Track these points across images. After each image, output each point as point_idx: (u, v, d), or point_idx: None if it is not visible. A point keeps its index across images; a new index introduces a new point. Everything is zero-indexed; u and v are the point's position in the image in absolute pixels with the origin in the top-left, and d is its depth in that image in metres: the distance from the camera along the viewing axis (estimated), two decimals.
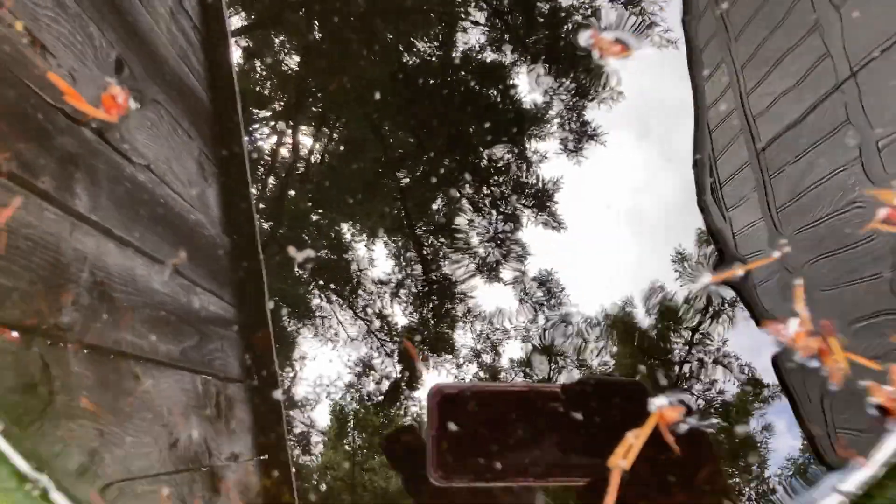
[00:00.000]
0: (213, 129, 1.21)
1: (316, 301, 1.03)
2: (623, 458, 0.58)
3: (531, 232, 1.03)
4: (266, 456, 1.10)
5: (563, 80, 1.15)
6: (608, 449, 0.63)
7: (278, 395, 1.18)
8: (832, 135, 1.64)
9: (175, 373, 0.83)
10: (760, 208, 1.94)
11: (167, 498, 0.72)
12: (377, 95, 1.26)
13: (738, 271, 0.81)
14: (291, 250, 1.09)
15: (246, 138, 1.37)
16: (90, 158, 0.70)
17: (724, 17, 2.09)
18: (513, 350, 1.01)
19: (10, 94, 0.57)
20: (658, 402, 0.70)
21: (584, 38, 1.00)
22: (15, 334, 0.53)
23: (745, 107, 2.07)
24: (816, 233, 1.82)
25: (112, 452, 0.64)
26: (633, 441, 0.59)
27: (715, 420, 0.80)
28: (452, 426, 0.67)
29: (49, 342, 0.56)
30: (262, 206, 1.24)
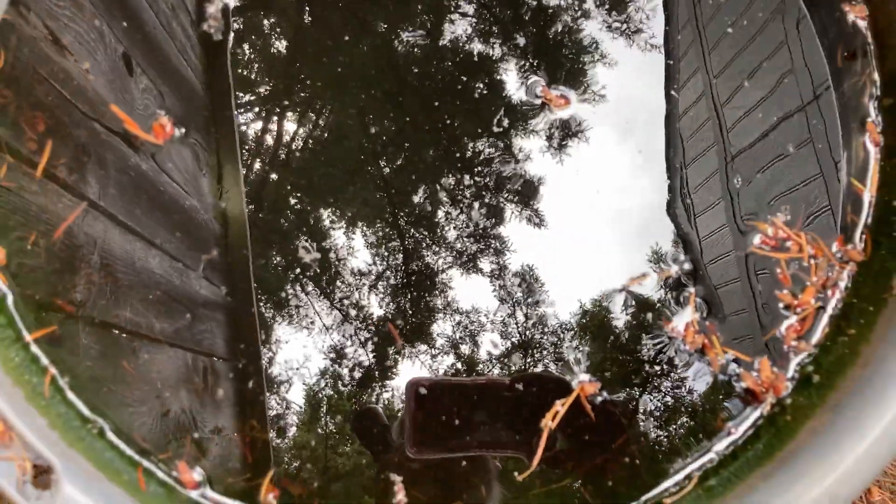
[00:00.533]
0: (208, 120, 1.27)
1: (294, 288, 1.08)
2: (551, 420, 0.72)
3: (513, 227, 1.10)
4: (246, 432, 1.16)
5: (547, 74, 1.22)
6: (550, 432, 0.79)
7: (261, 375, 1.24)
8: (797, 149, 1.72)
9: (169, 349, 0.89)
10: (726, 216, 2.02)
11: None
12: (364, 84, 1.32)
13: (644, 279, 0.95)
14: (302, 250, 1.15)
15: (237, 129, 1.42)
16: (99, 148, 0.76)
17: (699, 29, 2.17)
18: (489, 343, 1.07)
19: (34, 87, 0.63)
20: (581, 378, 0.84)
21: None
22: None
23: (720, 117, 2.15)
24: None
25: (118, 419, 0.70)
26: (559, 408, 0.72)
27: (623, 394, 0.94)
28: (425, 411, 0.84)
29: (63, 317, 0.62)
30: (244, 188, 1.30)
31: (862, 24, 0.97)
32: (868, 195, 0.89)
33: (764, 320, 1.59)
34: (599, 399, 0.87)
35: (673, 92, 2.27)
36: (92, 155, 0.72)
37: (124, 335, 0.76)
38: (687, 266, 1.07)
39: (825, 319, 0.82)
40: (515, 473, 0.82)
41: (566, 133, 1.16)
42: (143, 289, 0.84)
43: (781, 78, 1.66)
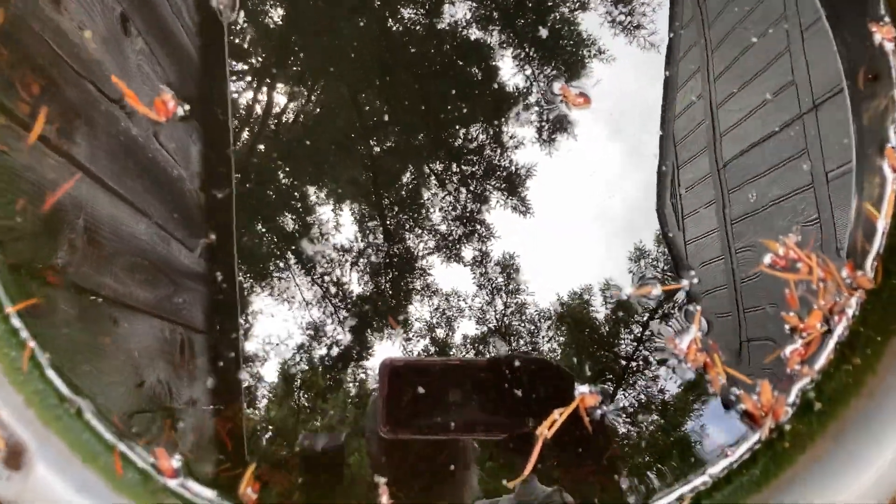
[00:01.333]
0: (201, 87, 1.24)
1: (275, 261, 1.06)
2: (548, 429, 0.71)
3: (498, 215, 1.09)
4: (221, 406, 1.15)
5: (545, 67, 1.20)
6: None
7: (237, 349, 1.23)
8: (790, 161, 1.72)
9: (149, 319, 0.87)
10: (717, 220, 2.03)
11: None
12: (358, 61, 1.29)
13: (655, 290, 0.94)
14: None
15: (230, 99, 1.39)
16: (90, 110, 0.74)
17: (704, 28, 2.16)
18: (467, 328, 1.07)
19: (30, 45, 0.61)
20: (582, 389, 0.83)
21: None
22: None
23: (714, 120, 2.15)
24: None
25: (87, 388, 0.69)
26: (557, 417, 0.72)
27: (629, 412, 0.94)
28: (398, 391, 0.84)
29: (44, 285, 0.61)
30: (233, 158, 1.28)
31: (889, 45, 0.96)
32: (882, 223, 0.88)
33: (745, 324, 1.59)
34: (599, 412, 0.87)
35: (670, 93, 2.25)
36: (83, 117, 0.70)
37: (105, 303, 0.74)
38: (694, 281, 1.07)
39: (831, 345, 0.81)
40: (504, 481, 0.81)
41: (557, 126, 1.15)
42: (128, 256, 0.82)
43: (781, 86, 1.66)
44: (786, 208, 1.80)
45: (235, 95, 1.25)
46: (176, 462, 0.70)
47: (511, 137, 1.11)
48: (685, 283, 1.00)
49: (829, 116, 1.55)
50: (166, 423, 0.92)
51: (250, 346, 1.12)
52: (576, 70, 1.15)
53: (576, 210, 1.03)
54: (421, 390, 0.88)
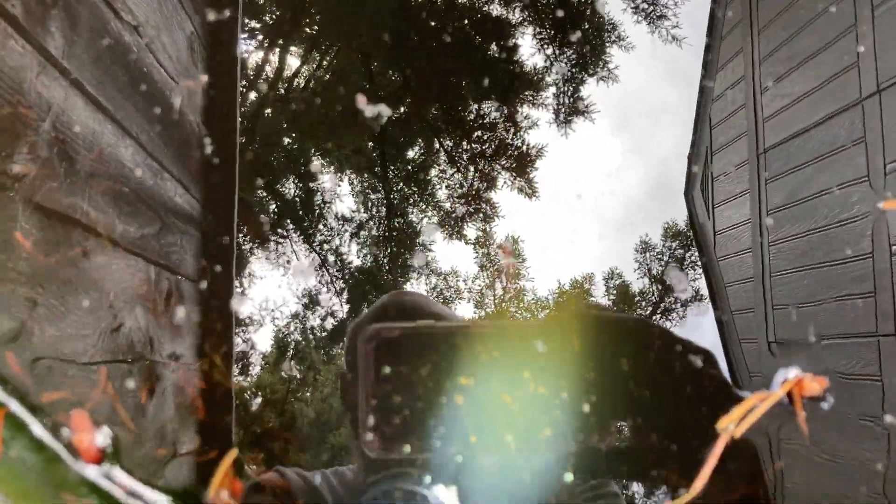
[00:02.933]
0: (209, 15, 1.12)
1: (276, 222, 0.96)
2: (736, 423, 0.51)
3: (504, 195, 0.97)
4: (208, 363, 1.04)
5: (567, 49, 1.08)
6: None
7: (231, 305, 1.12)
8: (842, 150, 1.61)
9: (129, 257, 0.76)
10: (750, 210, 1.90)
11: (104, 383, 0.66)
12: (375, 28, 1.18)
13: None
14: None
15: (241, 41, 1.28)
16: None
17: (751, 4, 2.02)
18: (463, 310, 0.95)
19: None
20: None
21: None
22: None
23: (756, 105, 2.02)
24: (805, 242, 1.80)
25: (43, 328, 0.58)
26: (757, 405, 0.51)
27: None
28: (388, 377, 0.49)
29: None
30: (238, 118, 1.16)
31: None
32: None
33: (773, 321, 1.45)
34: (825, 405, 0.65)
35: (708, 77, 2.12)
36: (60, 3, 0.59)
37: (76, 230, 0.63)
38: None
39: None
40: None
41: (573, 110, 1.02)
42: (109, 181, 0.71)
43: (841, 69, 1.52)
44: (831, 201, 1.67)
45: (246, 55, 1.12)
46: (102, 440, 0.47)
47: (526, 117, 0.99)
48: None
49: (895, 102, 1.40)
50: (144, 379, 0.81)
51: (244, 304, 1.00)
52: (600, 51, 1.03)
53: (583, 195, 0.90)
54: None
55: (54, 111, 0.57)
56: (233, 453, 0.51)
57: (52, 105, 0.57)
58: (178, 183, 0.94)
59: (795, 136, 1.73)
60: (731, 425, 0.51)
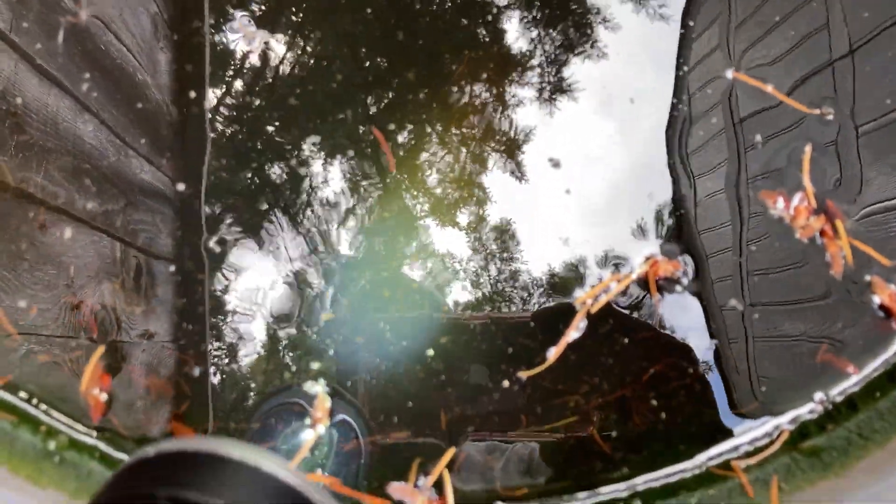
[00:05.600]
0: None
1: (260, 208, 0.97)
2: (592, 298, 0.55)
3: (494, 177, 0.98)
4: (184, 343, 1.04)
5: (553, 28, 1.09)
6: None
7: (207, 285, 1.12)
8: (816, 114, 1.61)
9: (92, 233, 0.76)
10: (726, 179, 1.90)
11: (68, 366, 0.67)
12: (360, 11, 1.18)
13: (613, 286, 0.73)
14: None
15: (209, 23, 1.27)
16: None
17: None
18: (459, 293, 0.97)
19: None
20: (651, 251, 0.66)
21: None
22: None
23: (737, 137, 2.02)
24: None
25: None
26: (614, 284, 0.54)
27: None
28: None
29: None
30: (220, 109, 1.16)
31: None
32: None
33: (748, 288, 1.45)
34: (679, 288, 0.68)
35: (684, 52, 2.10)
36: None
37: (30, 203, 0.63)
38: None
39: None
40: (520, 374, 0.67)
41: (558, 88, 1.03)
42: (66, 156, 0.70)
43: (811, 32, 1.52)
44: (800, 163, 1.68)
45: (229, 44, 1.12)
46: (104, 396, 0.53)
47: (513, 96, 0.99)
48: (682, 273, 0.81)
49: (869, 62, 1.40)
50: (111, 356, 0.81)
51: (219, 286, 1.00)
52: (583, 30, 1.04)
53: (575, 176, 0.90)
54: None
55: (2, 83, 0.57)
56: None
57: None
58: (145, 160, 0.93)
59: (771, 106, 1.72)
60: (588, 300, 0.53)
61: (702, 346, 0.73)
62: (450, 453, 0.65)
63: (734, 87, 1.38)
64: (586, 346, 0.68)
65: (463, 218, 0.91)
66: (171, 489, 0.27)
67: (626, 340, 0.70)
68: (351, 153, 0.95)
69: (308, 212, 0.99)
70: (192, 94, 1.14)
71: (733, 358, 0.73)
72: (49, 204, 0.66)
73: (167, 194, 1.05)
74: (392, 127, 0.94)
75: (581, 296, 0.66)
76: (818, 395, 0.66)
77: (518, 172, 0.98)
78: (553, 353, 0.62)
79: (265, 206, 0.97)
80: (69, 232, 0.70)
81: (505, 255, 0.90)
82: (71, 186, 0.70)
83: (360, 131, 0.98)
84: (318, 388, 0.71)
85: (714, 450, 0.67)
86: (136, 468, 0.29)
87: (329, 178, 0.99)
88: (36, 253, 0.63)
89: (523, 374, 0.65)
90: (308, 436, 0.70)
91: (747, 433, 0.67)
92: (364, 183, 0.96)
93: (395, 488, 0.65)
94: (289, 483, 0.29)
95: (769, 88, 0.76)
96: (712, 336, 0.73)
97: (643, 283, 0.67)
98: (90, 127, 0.76)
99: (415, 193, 0.95)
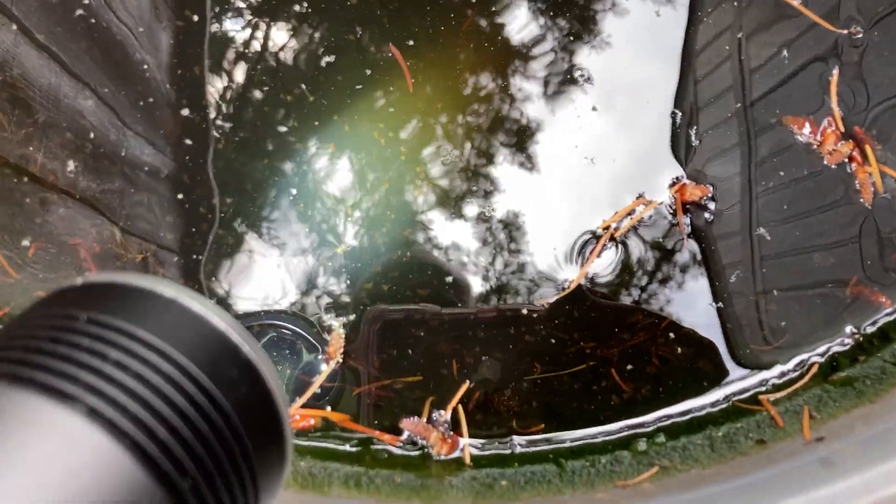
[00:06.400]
0: None
1: (262, 194, 0.96)
2: (617, 222, 0.53)
3: (503, 170, 0.96)
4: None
5: (560, 19, 1.07)
6: None
7: (201, 279, 1.11)
8: (823, 95, 1.59)
9: (95, 215, 0.75)
10: (740, 163, 1.88)
11: None
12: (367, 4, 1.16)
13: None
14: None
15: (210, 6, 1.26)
16: None
17: None
18: (455, 285, 0.95)
19: None
20: (677, 174, 0.65)
21: None
22: None
23: (741, 54, 1.99)
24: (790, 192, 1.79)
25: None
26: (639, 207, 0.53)
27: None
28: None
29: None
30: (223, 109, 1.15)
31: None
32: None
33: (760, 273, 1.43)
34: (708, 215, 0.67)
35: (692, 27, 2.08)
36: None
37: (31, 180, 0.62)
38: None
39: None
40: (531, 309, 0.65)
41: (566, 78, 1.01)
42: (67, 132, 0.69)
43: (822, 13, 1.50)
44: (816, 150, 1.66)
45: (232, 34, 1.10)
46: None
47: (519, 90, 0.96)
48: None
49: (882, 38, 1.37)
50: None
51: (217, 277, 0.99)
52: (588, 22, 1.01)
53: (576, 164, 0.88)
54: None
55: (1, 54, 0.56)
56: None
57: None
58: (145, 140, 0.92)
59: (780, 85, 1.70)
60: (613, 224, 0.52)
61: (722, 283, 0.72)
62: (464, 387, 0.65)
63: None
64: (599, 301, 0.68)
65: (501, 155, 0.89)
66: (92, 312, 0.25)
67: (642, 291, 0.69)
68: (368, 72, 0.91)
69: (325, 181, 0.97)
70: (195, 17, 1.12)
71: (757, 295, 0.72)
72: (51, 183, 0.65)
73: (170, 176, 1.04)
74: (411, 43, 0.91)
75: (606, 219, 0.64)
76: (848, 328, 0.66)
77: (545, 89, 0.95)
78: (576, 278, 0.61)
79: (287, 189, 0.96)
80: (72, 211, 0.69)
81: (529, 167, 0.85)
82: (72, 163, 0.69)
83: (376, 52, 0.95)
84: (334, 322, 0.71)
85: (738, 385, 0.67)
86: (59, 294, 0.27)
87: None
88: (37, 232, 0.62)
89: (542, 302, 0.64)
90: (320, 367, 0.69)
91: (775, 367, 0.67)
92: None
93: (408, 424, 0.64)
94: (218, 328, 0.27)
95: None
96: (736, 268, 0.72)
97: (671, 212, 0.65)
98: (91, 104, 0.75)
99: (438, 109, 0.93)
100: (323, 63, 0.88)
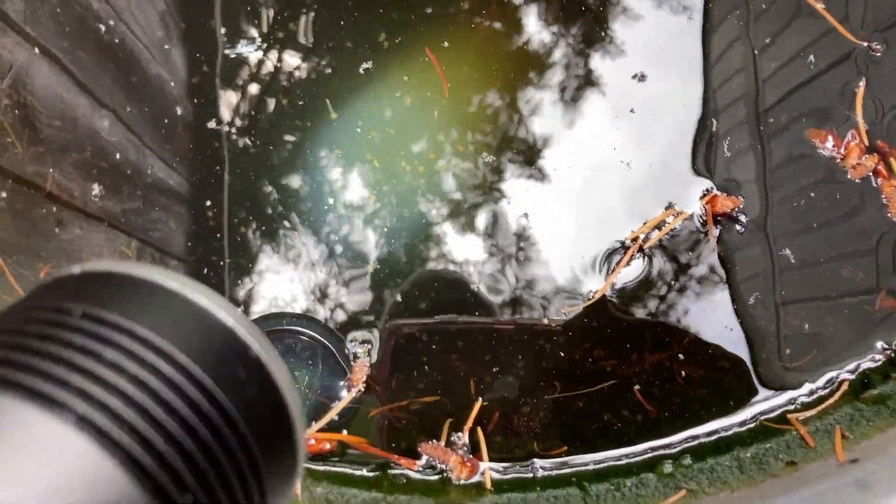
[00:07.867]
0: None
1: (275, 208, 0.95)
2: (646, 233, 0.52)
3: (515, 183, 0.95)
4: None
5: (572, 25, 1.06)
6: None
7: (222, 288, 1.11)
8: (839, 102, 1.57)
9: (110, 231, 0.74)
10: (754, 169, 1.86)
11: None
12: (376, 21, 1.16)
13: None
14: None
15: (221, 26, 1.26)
16: None
17: None
18: (477, 297, 0.94)
19: None
20: (707, 186, 0.63)
21: None
22: None
23: (755, 63, 1.98)
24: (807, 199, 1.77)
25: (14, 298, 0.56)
26: (669, 219, 0.52)
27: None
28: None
29: None
30: (236, 121, 1.14)
31: None
32: None
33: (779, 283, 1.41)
34: (739, 227, 0.65)
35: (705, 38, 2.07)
36: None
37: (44, 198, 0.61)
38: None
39: None
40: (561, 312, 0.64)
41: (581, 84, 0.99)
42: (84, 152, 0.69)
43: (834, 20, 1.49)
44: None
45: (244, 56, 1.10)
46: None
47: (527, 101, 0.95)
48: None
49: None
50: None
51: (238, 292, 0.98)
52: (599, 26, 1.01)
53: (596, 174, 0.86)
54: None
55: (14, 73, 0.55)
56: None
57: (12, 65, 0.55)
58: (160, 159, 0.92)
59: (793, 91, 1.67)
60: (641, 235, 0.51)
61: (749, 298, 0.70)
62: (477, 405, 0.64)
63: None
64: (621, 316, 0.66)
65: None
66: (87, 305, 0.23)
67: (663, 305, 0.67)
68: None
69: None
70: (208, 91, 1.12)
71: (784, 309, 0.70)
72: (65, 201, 0.64)
73: (182, 194, 1.03)
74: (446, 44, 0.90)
75: (634, 230, 0.63)
76: (879, 344, 0.64)
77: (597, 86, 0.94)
78: (601, 287, 0.60)
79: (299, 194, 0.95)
80: (87, 230, 0.68)
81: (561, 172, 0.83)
82: (87, 183, 0.69)
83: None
84: (359, 350, 0.69)
85: (766, 404, 0.65)
86: (55, 284, 0.25)
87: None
88: (51, 249, 0.61)
89: (566, 310, 0.62)
90: (341, 393, 0.68)
91: (804, 385, 0.65)
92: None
93: (427, 447, 0.63)
94: (226, 324, 0.25)
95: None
96: (760, 281, 0.70)
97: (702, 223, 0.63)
98: (107, 123, 0.75)
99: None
100: (361, 70, 0.87)
